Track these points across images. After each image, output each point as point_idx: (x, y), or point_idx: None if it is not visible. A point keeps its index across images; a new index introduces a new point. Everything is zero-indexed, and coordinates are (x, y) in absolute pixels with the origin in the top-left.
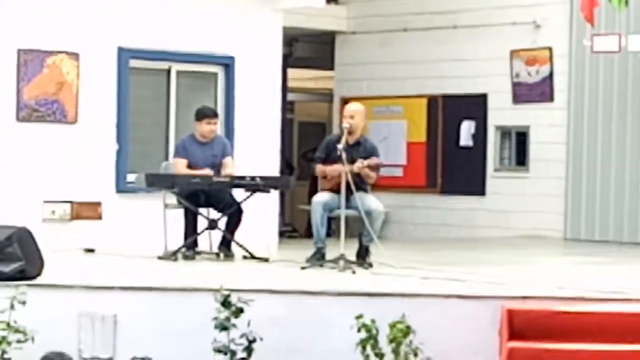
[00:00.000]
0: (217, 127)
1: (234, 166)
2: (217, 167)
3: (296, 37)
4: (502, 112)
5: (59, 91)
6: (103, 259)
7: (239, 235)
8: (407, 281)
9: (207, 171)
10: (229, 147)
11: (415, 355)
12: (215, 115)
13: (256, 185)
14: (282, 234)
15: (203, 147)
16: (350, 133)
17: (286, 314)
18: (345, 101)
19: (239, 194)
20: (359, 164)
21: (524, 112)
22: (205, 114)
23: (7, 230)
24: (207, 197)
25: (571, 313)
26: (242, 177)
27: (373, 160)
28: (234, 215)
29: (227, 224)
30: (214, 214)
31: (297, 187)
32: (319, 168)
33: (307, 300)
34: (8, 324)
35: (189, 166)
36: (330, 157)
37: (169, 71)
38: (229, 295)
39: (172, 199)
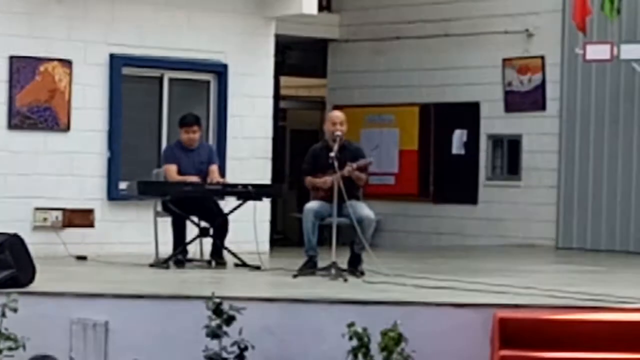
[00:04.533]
0: (198, 136)
1: (219, 173)
2: (204, 174)
3: (289, 44)
4: (494, 120)
5: (51, 98)
6: (95, 267)
7: (231, 243)
8: (399, 289)
9: (194, 178)
10: (215, 154)
11: None
12: (196, 123)
13: (248, 193)
14: (274, 242)
15: (189, 153)
16: (336, 140)
17: (278, 322)
18: (338, 109)
19: (231, 201)
20: (349, 168)
21: (516, 121)
22: (183, 123)
23: None
24: (193, 206)
25: (563, 321)
26: (235, 185)
27: (361, 162)
28: (221, 225)
29: (215, 233)
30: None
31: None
32: (308, 180)
33: (298, 308)
34: None
35: (178, 172)
36: (318, 167)
37: (161, 79)
38: (220, 303)
39: None
